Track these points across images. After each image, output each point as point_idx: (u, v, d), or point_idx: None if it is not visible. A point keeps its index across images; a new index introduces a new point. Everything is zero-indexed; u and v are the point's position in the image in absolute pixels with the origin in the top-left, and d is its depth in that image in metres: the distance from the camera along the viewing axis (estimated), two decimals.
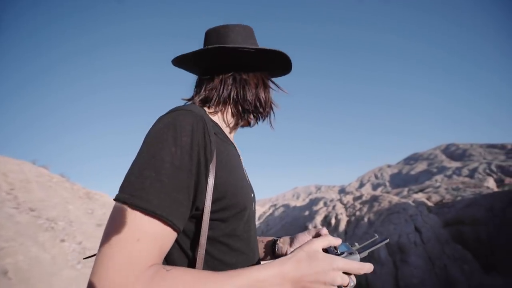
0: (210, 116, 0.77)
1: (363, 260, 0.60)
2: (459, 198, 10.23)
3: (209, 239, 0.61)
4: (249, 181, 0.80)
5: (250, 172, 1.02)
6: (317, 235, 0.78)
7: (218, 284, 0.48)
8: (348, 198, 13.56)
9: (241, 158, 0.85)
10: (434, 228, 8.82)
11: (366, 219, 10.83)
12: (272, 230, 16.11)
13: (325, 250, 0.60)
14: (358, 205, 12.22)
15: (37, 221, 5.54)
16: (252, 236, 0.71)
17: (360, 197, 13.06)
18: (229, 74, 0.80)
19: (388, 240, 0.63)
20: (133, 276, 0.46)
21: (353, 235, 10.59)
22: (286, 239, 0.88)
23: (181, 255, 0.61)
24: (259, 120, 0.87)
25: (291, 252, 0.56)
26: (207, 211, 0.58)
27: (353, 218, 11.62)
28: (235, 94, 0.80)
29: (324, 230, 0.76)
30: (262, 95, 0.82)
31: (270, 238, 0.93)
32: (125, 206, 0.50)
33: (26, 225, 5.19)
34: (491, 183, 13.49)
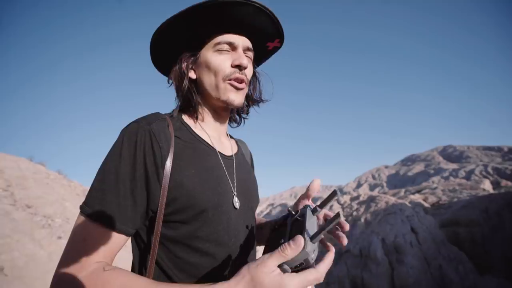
0: (184, 118, 0.78)
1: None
2: (455, 199, 10.30)
3: (171, 238, 0.65)
4: (233, 180, 0.76)
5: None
6: (305, 197, 0.73)
7: None
8: (346, 198, 13.61)
9: (232, 155, 0.82)
10: (430, 229, 8.88)
11: (363, 220, 10.88)
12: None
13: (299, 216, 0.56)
14: (355, 205, 12.27)
15: (34, 218, 5.51)
16: (224, 238, 0.68)
17: (357, 197, 13.12)
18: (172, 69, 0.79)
19: (340, 218, 0.50)
20: (78, 268, 0.55)
21: (350, 235, 10.63)
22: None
23: (141, 255, 0.67)
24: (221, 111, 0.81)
25: (238, 273, 0.50)
26: (160, 214, 0.62)
27: (350, 218, 11.67)
28: (179, 91, 0.78)
29: (313, 186, 0.69)
30: (179, 90, 0.78)
31: (271, 224, 0.90)
32: (80, 213, 0.61)
33: (23, 222, 5.17)
34: (487, 185, 13.59)
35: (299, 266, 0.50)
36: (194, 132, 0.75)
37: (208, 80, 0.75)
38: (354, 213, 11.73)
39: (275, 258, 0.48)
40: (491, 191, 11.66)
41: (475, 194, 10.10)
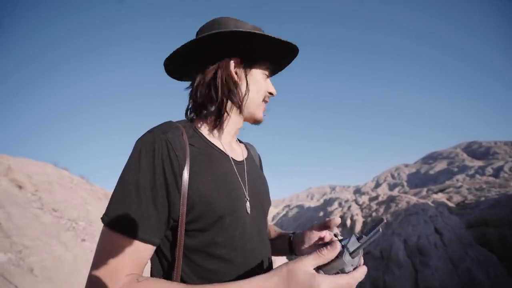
0: (197, 125, 0.78)
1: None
2: (482, 198, 9.78)
3: (191, 247, 0.66)
4: (245, 185, 0.77)
5: (264, 172, 1.00)
6: (323, 227, 0.79)
7: None
8: (364, 199, 13.27)
9: (243, 160, 0.84)
10: (456, 229, 8.46)
11: None
12: (286, 231, 16.01)
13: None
14: (374, 206, 11.93)
15: (60, 221, 5.78)
16: (240, 242, 0.70)
17: (376, 197, 12.75)
18: (197, 76, 0.80)
19: (380, 230, 0.53)
20: (110, 282, 0.55)
21: None
22: (299, 236, 0.87)
23: (163, 264, 0.68)
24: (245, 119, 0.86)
25: (277, 267, 0.54)
26: (181, 222, 0.63)
27: (369, 219, 11.35)
28: (202, 98, 0.78)
29: (335, 221, 0.75)
30: (233, 94, 0.78)
31: (288, 234, 0.92)
32: (105, 226, 0.61)
33: (50, 225, 5.43)
34: None
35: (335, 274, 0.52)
36: (207, 139, 0.76)
37: (252, 96, 0.81)
38: (373, 213, 11.40)
39: (312, 258, 0.51)
40: None
41: (505, 193, 9.52)
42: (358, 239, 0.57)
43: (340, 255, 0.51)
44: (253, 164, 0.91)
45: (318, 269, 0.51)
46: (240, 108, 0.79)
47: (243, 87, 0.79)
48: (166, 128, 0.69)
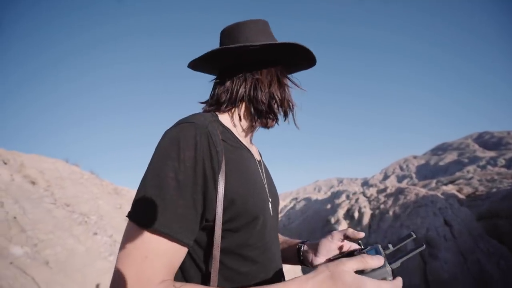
0: (222, 120, 0.73)
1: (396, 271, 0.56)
2: (494, 190, 9.58)
3: (222, 249, 0.60)
4: (266, 185, 0.75)
5: (270, 165, 0.99)
6: (344, 237, 0.74)
7: None
8: (372, 191, 13.17)
9: (260, 160, 0.83)
10: (466, 221, 8.34)
11: (391, 213, 10.48)
12: (294, 223, 16.09)
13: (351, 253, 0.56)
14: (382, 198, 11.84)
15: (72, 216, 5.94)
16: (268, 244, 0.68)
17: (384, 189, 12.64)
18: (240, 75, 0.75)
19: (424, 247, 0.57)
20: None
21: (378, 229, 10.29)
22: (311, 245, 0.81)
23: (195, 268, 0.61)
24: (275, 121, 0.80)
25: (316, 267, 0.54)
26: (218, 222, 0.57)
27: (377, 211, 11.29)
28: (246, 94, 0.75)
29: (359, 234, 0.72)
30: (277, 93, 0.76)
31: (295, 243, 0.87)
32: (134, 224, 0.53)
33: (63, 219, 5.58)
34: None
35: None
36: (236, 136, 0.72)
37: (277, 95, 0.77)
38: (382, 206, 11.32)
39: (355, 262, 0.50)
40: None
41: None
42: (384, 248, 0.59)
43: (384, 265, 0.53)
44: (265, 163, 0.89)
45: (361, 273, 0.52)
46: (286, 115, 0.80)
47: (264, 91, 0.76)
48: (204, 119, 0.63)
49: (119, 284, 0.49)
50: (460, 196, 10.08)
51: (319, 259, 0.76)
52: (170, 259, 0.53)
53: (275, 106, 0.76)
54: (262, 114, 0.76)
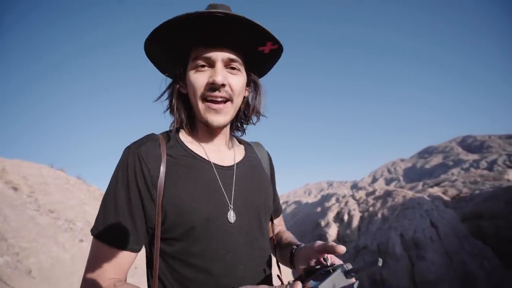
0: (180, 135, 0.77)
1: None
2: (477, 191, 9.90)
3: (170, 255, 0.68)
4: (229, 193, 0.73)
5: None
6: (325, 250, 0.65)
7: None
8: (361, 194, 13.37)
9: (232, 165, 0.78)
10: (451, 223, 8.58)
11: (379, 215, 10.66)
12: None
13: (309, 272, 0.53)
14: (371, 201, 12.03)
15: (57, 222, 5.75)
16: (219, 252, 0.67)
17: (373, 192, 12.85)
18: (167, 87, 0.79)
19: (378, 265, 0.51)
20: (93, 286, 0.61)
21: (367, 231, 10.43)
22: (300, 250, 0.75)
23: (148, 269, 0.72)
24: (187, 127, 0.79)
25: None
26: (158, 230, 0.65)
27: (366, 214, 11.46)
28: (170, 108, 0.78)
29: (339, 249, 0.60)
30: (178, 111, 0.77)
31: (292, 245, 0.82)
32: (92, 236, 0.66)
33: (47, 226, 5.40)
34: (511, 176, 12.96)
35: None
36: (188, 148, 0.74)
37: (191, 99, 0.74)
38: (370, 208, 11.50)
39: None
40: None
41: (499, 186, 9.66)
42: (346, 273, 0.53)
43: None
44: (250, 166, 0.84)
45: None
46: (185, 116, 0.77)
47: (174, 97, 0.77)
48: (142, 141, 0.71)
49: (83, 280, 0.64)
50: (445, 198, 10.38)
51: (299, 265, 0.71)
52: (116, 262, 0.64)
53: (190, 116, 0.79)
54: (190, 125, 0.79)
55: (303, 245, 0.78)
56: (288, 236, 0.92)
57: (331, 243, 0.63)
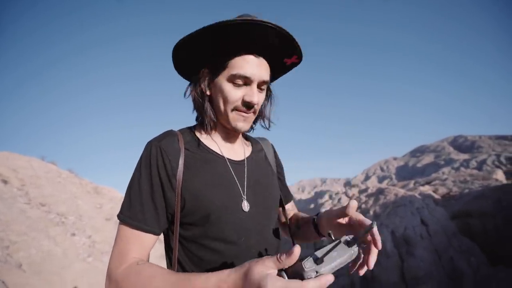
0: (196, 131, 0.87)
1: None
2: (466, 190, 10.12)
3: (188, 238, 0.77)
4: (242, 184, 0.82)
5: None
6: (342, 214, 0.72)
7: (164, 283, 0.62)
8: (354, 191, 13.52)
9: (243, 159, 0.88)
10: (441, 220, 8.76)
11: (371, 212, 10.81)
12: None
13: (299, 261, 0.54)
14: (363, 198, 12.19)
15: (48, 216, 5.67)
16: (233, 237, 0.76)
17: (365, 190, 13.02)
18: (188, 86, 0.87)
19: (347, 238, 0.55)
20: (119, 263, 0.70)
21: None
22: (323, 217, 0.82)
23: (168, 252, 0.81)
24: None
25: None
26: (177, 216, 0.74)
27: (358, 211, 11.57)
28: (195, 107, 0.86)
29: (351, 205, 0.68)
30: (218, 103, 0.82)
31: (311, 218, 0.89)
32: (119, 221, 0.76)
33: (38, 220, 5.32)
34: (500, 176, 13.27)
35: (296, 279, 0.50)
36: (203, 144, 0.84)
37: (218, 105, 0.81)
38: (363, 205, 11.65)
39: (272, 261, 0.51)
40: (504, 181, 11.37)
41: (488, 185, 9.89)
42: (348, 243, 0.56)
43: (300, 260, 0.50)
44: (258, 161, 0.94)
45: (282, 270, 0.51)
46: (209, 116, 0.83)
47: (214, 99, 0.83)
48: (162, 136, 0.80)
49: (111, 258, 0.72)
50: (436, 196, 10.58)
51: (327, 230, 0.73)
52: (139, 243, 0.72)
53: (208, 116, 0.85)
54: (204, 124, 0.85)
55: (321, 216, 0.84)
56: (304, 215, 1.01)
57: (345, 206, 0.70)
